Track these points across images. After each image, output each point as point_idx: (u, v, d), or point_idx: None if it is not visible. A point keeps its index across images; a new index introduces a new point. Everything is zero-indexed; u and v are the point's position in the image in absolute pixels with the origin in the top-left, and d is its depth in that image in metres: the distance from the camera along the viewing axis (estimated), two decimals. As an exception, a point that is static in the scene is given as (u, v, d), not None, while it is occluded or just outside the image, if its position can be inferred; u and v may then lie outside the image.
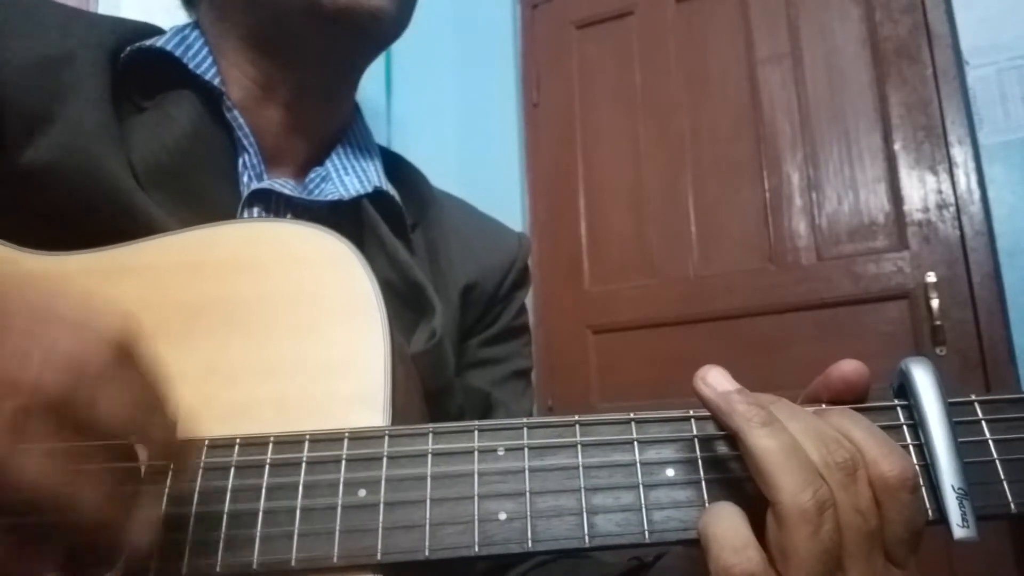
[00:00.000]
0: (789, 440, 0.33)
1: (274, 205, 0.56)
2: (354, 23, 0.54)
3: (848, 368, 0.38)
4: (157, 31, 0.58)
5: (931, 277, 1.78)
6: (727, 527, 0.33)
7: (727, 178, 2.06)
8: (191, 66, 0.55)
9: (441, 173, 0.72)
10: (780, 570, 0.32)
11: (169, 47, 0.55)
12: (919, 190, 1.86)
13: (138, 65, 0.54)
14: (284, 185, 0.56)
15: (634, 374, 2.04)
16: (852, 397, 0.38)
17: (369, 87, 2.31)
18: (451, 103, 2.40)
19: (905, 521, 0.34)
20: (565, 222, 2.23)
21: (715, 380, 0.36)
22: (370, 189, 0.59)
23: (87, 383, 0.29)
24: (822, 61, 2.01)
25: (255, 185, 0.55)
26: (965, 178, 1.81)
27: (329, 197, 0.57)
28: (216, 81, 0.56)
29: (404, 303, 0.55)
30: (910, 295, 1.81)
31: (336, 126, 0.64)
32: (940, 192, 1.84)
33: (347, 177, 0.60)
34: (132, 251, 0.45)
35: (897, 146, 1.90)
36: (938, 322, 1.75)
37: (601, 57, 2.29)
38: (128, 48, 0.54)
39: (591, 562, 0.56)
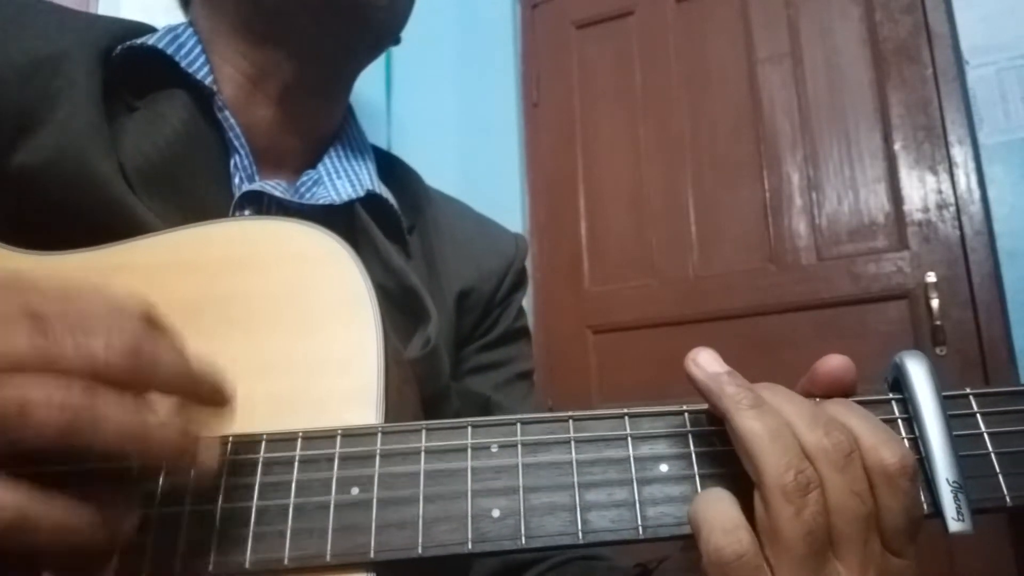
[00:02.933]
0: (776, 423, 0.33)
1: (265, 207, 0.55)
2: (347, 8, 0.54)
3: (834, 363, 0.37)
4: (151, 30, 0.58)
5: (931, 277, 1.78)
6: (718, 510, 0.33)
7: (727, 178, 2.06)
8: (183, 64, 0.54)
9: (441, 173, 0.72)
10: (769, 554, 0.32)
11: (161, 45, 0.54)
12: (919, 190, 1.86)
13: (130, 64, 0.53)
14: (276, 187, 0.55)
15: (634, 374, 2.03)
16: (840, 393, 0.38)
17: (369, 87, 2.31)
18: (451, 103, 2.39)
19: (904, 509, 0.33)
20: (565, 222, 2.22)
21: (705, 361, 0.37)
22: (362, 193, 0.58)
23: (148, 343, 0.31)
24: (822, 61, 2.01)
25: (246, 187, 0.54)
26: (965, 178, 1.81)
27: (321, 201, 0.57)
28: (208, 80, 0.55)
29: (399, 309, 0.54)
30: (910, 295, 1.81)
31: (328, 127, 0.63)
32: (940, 192, 1.83)
33: (339, 181, 0.59)
34: (127, 249, 0.45)
35: (897, 146, 1.89)
36: (938, 322, 1.75)
37: (601, 57, 2.29)
38: (119, 47, 0.53)
39: (604, 564, 0.56)
